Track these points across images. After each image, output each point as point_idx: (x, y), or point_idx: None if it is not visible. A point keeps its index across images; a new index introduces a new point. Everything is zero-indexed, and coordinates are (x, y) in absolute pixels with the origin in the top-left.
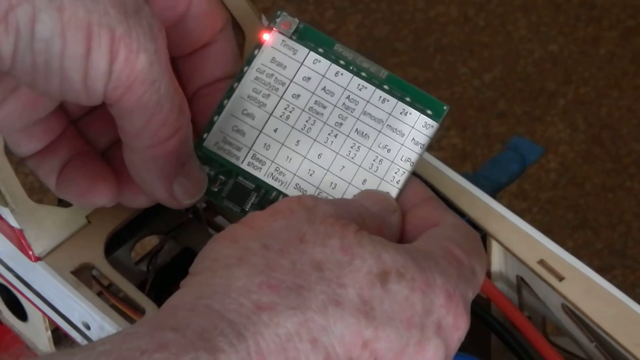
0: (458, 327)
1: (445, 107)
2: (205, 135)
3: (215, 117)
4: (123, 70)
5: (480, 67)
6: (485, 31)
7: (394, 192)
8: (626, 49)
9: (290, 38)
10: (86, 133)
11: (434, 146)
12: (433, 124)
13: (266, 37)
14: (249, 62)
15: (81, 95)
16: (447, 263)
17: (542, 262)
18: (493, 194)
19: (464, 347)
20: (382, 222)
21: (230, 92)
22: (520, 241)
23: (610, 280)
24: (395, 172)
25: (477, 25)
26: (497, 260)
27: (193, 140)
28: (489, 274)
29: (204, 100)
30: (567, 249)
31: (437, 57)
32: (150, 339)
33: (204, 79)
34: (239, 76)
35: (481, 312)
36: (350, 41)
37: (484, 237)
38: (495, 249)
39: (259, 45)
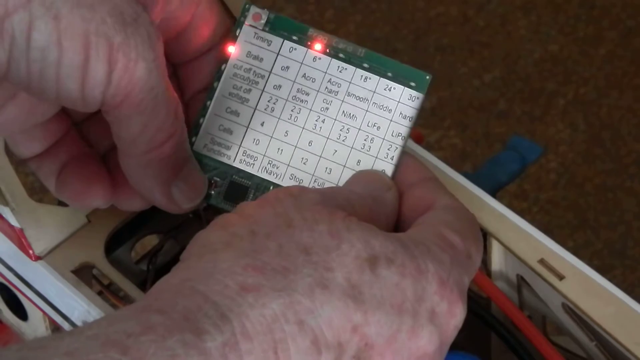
0: (453, 314)
1: (427, 77)
2: (193, 139)
3: (201, 120)
4: (122, 78)
5: (480, 67)
6: (485, 31)
7: (389, 169)
8: (626, 49)
9: (263, 30)
10: (87, 136)
11: (433, 146)
12: (418, 96)
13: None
14: (225, 60)
15: (78, 102)
16: (439, 249)
17: (542, 261)
18: (493, 193)
19: (465, 346)
20: (374, 203)
21: (212, 92)
22: (521, 240)
23: (610, 280)
24: (388, 149)
25: (477, 25)
26: (498, 259)
27: None
28: (489, 273)
29: (200, 104)
30: (567, 249)
31: (437, 57)
32: (136, 322)
33: (202, 83)
34: (217, 75)
35: (481, 311)
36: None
37: (485, 236)
38: (496, 248)
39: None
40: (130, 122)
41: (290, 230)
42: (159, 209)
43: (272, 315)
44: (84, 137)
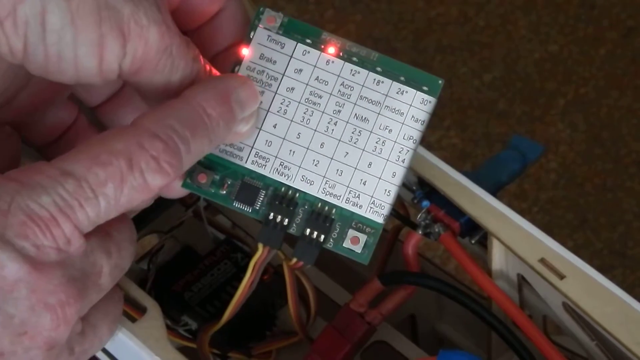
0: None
1: (440, 82)
2: None
3: None
4: (137, 47)
5: (480, 67)
6: (485, 31)
7: (400, 171)
8: (626, 49)
9: (277, 33)
10: (108, 122)
11: (433, 146)
12: (430, 100)
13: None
14: (238, 62)
15: (96, 78)
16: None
17: (543, 261)
18: (494, 193)
19: (465, 346)
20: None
21: None
22: (521, 239)
23: (610, 280)
24: (400, 152)
25: (477, 25)
26: (498, 258)
27: None
28: (489, 273)
29: (216, 66)
30: (567, 248)
31: (437, 57)
32: None
33: (217, 47)
34: None
35: (482, 310)
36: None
37: (485, 235)
38: (496, 247)
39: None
40: (153, 83)
41: None
42: (159, 208)
43: None
44: (104, 124)
